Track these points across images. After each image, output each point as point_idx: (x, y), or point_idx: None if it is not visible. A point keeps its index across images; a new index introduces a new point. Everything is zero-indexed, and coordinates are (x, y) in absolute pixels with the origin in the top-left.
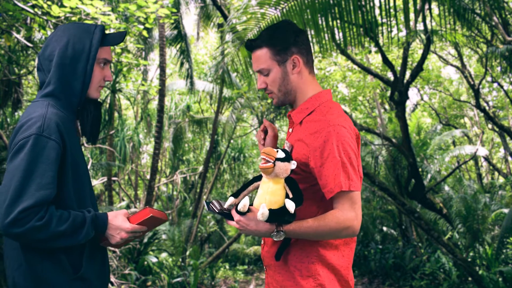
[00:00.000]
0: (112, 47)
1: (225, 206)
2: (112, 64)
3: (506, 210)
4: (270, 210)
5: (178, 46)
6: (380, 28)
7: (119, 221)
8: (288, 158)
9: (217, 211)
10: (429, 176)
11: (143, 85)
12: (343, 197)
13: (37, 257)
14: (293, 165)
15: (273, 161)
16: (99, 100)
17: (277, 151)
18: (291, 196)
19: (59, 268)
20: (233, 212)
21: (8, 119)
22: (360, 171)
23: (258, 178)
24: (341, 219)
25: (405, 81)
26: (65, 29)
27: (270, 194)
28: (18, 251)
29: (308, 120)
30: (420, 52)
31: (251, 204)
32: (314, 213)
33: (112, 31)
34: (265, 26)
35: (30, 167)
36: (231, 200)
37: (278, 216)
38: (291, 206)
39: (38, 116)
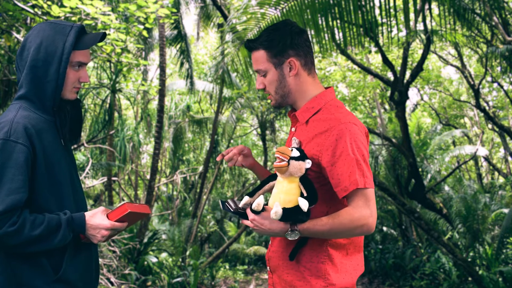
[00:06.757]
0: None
1: (240, 205)
2: (112, 64)
3: (506, 210)
4: (283, 209)
5: (178, 46)
6: (380, 28)
7: (97, 219)
8: (302, 157)
9: (232, 210)
10: (429, 176)
11: (143, 85)
12: (357, 194)
13: (17, 261)
14: (308, 164)
15: (287, 160)
16: (77, 98)
17: (292, 149)
18: (305, 195)
19: (39, 270)
20: (248, 211)
21: None
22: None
23: (274, 177)
24: (356, 216)
25: (405, 81)
26: (40, 29)
27: (284, 193)
28: (1, 255)
29: (315, 119)
30: (420, 52)
31: (266, 204)
32: (324, 213)
33: (112, 31)
34: (265, 26)
35: None
36: (246, 199)
37: (292, 215)
38: (304, 204)
39: (6, 121)
